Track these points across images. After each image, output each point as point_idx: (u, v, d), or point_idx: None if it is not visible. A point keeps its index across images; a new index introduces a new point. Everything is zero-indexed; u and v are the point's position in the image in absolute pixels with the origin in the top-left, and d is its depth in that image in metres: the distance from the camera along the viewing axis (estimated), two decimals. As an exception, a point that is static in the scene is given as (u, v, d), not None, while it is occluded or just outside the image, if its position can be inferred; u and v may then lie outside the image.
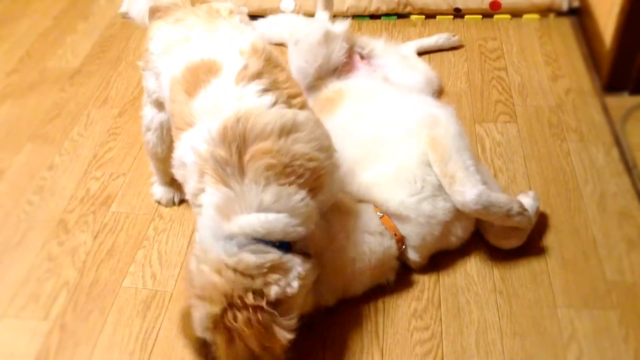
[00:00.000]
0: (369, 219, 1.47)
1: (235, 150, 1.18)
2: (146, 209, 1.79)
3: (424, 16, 2.46)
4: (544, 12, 2.41)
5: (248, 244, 1.19)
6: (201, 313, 1.20)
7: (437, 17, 2.46)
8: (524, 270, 1.54)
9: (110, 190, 1.85)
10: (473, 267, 1.56)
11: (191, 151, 1.24)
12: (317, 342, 1.43)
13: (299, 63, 1.91)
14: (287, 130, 1.21)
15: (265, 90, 1.26)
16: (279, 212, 1.19)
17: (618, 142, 1.84)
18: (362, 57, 2.02)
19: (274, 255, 1.20)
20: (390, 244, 1.47)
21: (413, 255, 1.52)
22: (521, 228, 1.52)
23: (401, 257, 1.52)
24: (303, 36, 1.93)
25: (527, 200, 1.57)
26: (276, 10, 2.48)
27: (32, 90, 2.27)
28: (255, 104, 1.23)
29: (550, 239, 1.61)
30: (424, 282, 1.54)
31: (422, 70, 2.07)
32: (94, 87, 2.26)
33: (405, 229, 1.48)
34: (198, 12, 1.49)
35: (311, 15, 2.45)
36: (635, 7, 1.86)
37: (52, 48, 2.48)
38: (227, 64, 1.31)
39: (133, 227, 1.74)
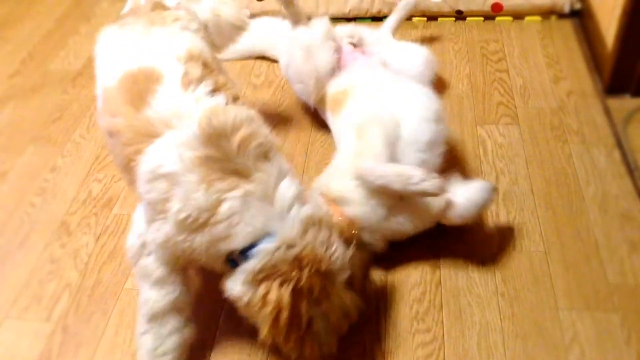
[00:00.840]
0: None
1: (226, 145, 1.19)
2: (148, 210, 1.79)
3: (425, 18, 2.46)
4: (546, 14, 2.41)
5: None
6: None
7: (439, 19, 2.46)
8: (525, 273, 1.54)
9: (112, 193, 1.85)
10: (475, 269, 1.56)
11: (179, 160, 1.19)
12: (319, 344, 1.43)
13: (296, 87, 1.96)
14: (250, 120, 1.25)
15: (214, 91, 1.31)
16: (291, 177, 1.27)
17: (620, 144, 1.84)
18: (354, 46, 1.99)
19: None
20: None
21: (368, 237, 1.52)
22: (430, 195, 1.47)
23: (360, 245, 1.49)
24: (287, 62, 1.96)
25: (476, 186, 1.52)
26: (278, 12, 2.48)
27: (34, 92, 2.28)
28: (214, 103, 1.28)
29: (551, 241, 1.61)
30: (426, 284, 1.54)
31: (418, 52, 2.01)
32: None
33: (350, 211, 1.49)
34: (142, 19, 1.49)
35: (313, 17, 2.46)
36: (637, 9, 1.86)
37: (55, 50, 2.49)
38: (167, 72, 1.31)
39: (135, 229, 1.74)
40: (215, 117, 1.20)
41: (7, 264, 1.68)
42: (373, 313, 1.49)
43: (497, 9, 2.41)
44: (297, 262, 1.18)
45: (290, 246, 1.18)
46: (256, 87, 2.20)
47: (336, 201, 1.51)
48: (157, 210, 1.22)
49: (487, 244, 1.61)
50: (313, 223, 1.22)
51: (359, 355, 1.41)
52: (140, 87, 1.29)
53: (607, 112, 1.96)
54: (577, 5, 2.36)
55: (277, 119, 2.06)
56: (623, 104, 1.97)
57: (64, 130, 2.10)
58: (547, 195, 1.73)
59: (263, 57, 2.33)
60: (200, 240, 1.19)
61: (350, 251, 1.29)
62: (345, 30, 2.03)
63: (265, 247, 1.18)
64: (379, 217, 1.50)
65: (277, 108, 2.10)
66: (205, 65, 1.37)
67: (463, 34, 2.37)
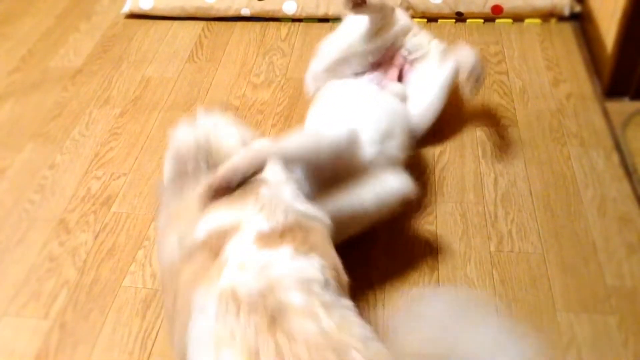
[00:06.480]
0: None
1: None
2: (147, 209, 1.79)
3: (425, 19, 2.47)
4: (546, 16, 2.41)
5: None
6: None
7: (439, 20, 2.46)
8: (523, 274, 1.55)
9: (111, 190, 1.85)
10: (473, 270, 1.56)
11: None
12: (317, 343, 1.44)
13: (325, 46, 1.88)
14: None
15: None
16: None
17: (618, 147, 1.85)
18: (405, 60, 1.90)
19: None
20: None
21: None
22: None
23: None
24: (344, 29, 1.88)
25: (392, 178, 1.52)
26: (278, 12, 2.48)
27: (34, 89, 2.27)
28: None
29: (550, 243, 1.61)
30: (424, 285, 1.54)
31: (428, 100, 1.87)
32: (95, 86, 2.27)
33: None
34: None
35: (312, 18, 2.47)
36: (637, 12, 1.86)
37: (55, 47, 2.48)
38: None
39: (134, 227, 1.74)
40: None
41: (6, 261, 1.67)
42: (371, 313, 1.49)
43: (497, 11, 2.42)
44: None
45: None
46: (256, 86, 2.21)
47: None
48: None
49: (484, 245, 1.61)
50: None
51: (357, 355, 1.41)
52: None
53: (606, 115, 1.96)
54: (577, 9, 2.37)
55: (276, 118, 2.06)
56: (622, 107, 1.97)
57: (63, 127, 2.09)
58: (545, 197, 1.73)
59: (265, 56, 2.33)
60: None
61: None
62: (410, 41, 1.89)
63: None
64: None
65: (277, 107, 2.11)
66: None
67: (463, 35, 2.37)
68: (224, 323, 0.99)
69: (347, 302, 1.08)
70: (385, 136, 1.59)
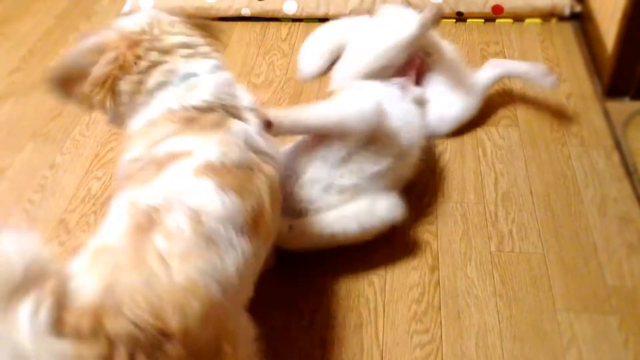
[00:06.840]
0: None
1: None
2: (147, 209, 1.79)
3: (426, 19, 2.47)
4: (546, 16, 2.41)
5: None
6: None
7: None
8: (524, 274, 1.55)
9: (112, 190, 1.85)
10: (473, 271, 1.56)
11: None
12: (316, 344, 1.44)
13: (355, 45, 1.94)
14: None
15: None
16: None
17: (619, 147, 1.85)
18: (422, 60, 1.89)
19: None
20: None
21: None
22: None
23: None
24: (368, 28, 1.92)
25: (383, 204, 1.57)
26: (279, 12, 2.48)
27: (34, 89, 2.27)
28: None
29: (550, 243, 1.61)
30: (424, 285, 1.54)
31: (466, 99, 1.92)
32: (96, 86, 2.26)
33: None
34: None
35: (313, 18, 2.47)
36: (637, 12, 1.86)
37: (55, 47, 2.48)
38: None
39: (134, 227, 1.74)
40: None
41: (6, 261, 1.67)
42: (371, 313, 1.49)
43: (497, 11, 2.42)
44: None
45: None
46: (256, 86, 2.20)
47: None
48: None
49: (485, 245, 1.61)
50: None
51: (357, 355, 1.41)
52: None
53: (607, 114, 1.96)
54: (577, 8, 2.37)
55: (277, 119, 2.06)
56: (622, 106, 1.97)
57: (63, 127, 2.09)
58: (546, 197, 1.73)
59: (265, 56, 2.34)
60: None
61: None
62: (432, 41, 1.86)
63: None
64: None
65: (277, 107, 2.10)
66: None
67: (463, 35, 2.37)
68: (113, 226, 1.08)
69: (246, 244, 1.10)
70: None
